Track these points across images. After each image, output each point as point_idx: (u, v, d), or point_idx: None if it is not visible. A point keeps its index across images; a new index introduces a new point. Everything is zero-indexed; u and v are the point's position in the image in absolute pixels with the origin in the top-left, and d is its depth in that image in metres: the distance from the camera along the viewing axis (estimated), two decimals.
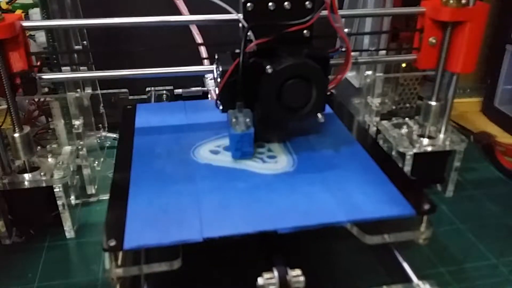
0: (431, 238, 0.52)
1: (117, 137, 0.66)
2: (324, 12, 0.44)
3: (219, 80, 0.45)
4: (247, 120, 0.44)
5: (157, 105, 0.61)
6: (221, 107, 0.46)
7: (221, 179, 0.43)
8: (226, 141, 0.50)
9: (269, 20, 0.44)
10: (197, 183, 0.43)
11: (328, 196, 0.41)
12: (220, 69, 0.44)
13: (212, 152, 0.49)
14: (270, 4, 0.43)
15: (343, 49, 0.47)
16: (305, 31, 0.45)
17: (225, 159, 0.47)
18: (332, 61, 0.48)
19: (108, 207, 0.40)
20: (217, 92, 0.46)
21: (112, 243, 0.35)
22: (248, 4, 0.43)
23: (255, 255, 0.43)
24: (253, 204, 0.40)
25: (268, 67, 0.42)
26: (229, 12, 0.46)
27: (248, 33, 0.43)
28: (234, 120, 0.44)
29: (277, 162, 0.47)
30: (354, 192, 0.41)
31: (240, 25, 0.44)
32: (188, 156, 0.48)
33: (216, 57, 0.46)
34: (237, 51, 0.43)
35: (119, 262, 0.37)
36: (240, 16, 0.44)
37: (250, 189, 0.42)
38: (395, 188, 0.42)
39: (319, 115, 0.45)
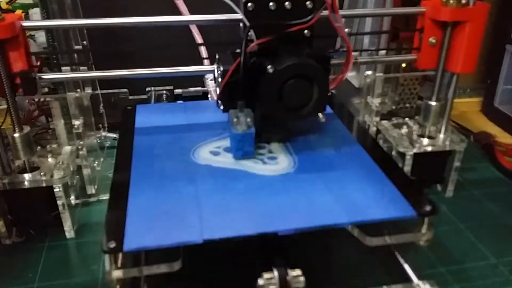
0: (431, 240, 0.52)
1: (117, 137, 0.66)
2: (325, 12, 0.44)
3: (220, 80, 0.45)
4: (248, 119, 0.44)
5: (157, 106, 0.61)
6: (222, 107, 0.46)
7: (221, 180, 0.43)
8: (226, 142, 0.50)
9: (270, 20, 0.44)
10: (197, 184, 0.43)
11: (329, 197, 0.41)
12: (221, 68, 0.44)
13: (212, 153, 0.48)
14: (271, 4, 0.43)
15: (344, 49, 0.47)
16: (305, 31, 0.45)
17: (225, 160, 0.47)
18: (333, 61, 0.48)
19: (108, 209, 0.40)
20: (217, 92, 0.46)
21: (112, 245, 0.35)
22: (249, 4, 0.43)
23: (255, 257, 0.42)
24: (253, 205, 0.40)
25: (269, 66, 0.42)
26: (231, 12, 0.46)
27: (249, 33, 0.43)
28: (235, 120, 0.44)
29: (277, 163, 0.46)
30: (355, 194, 0.41)
31: (241, 25, 0.44)
32: (188, 157, 0.47)
33: (217, 56, 0.46)
34: (238, 51, 0.43)
35: (119, 264, 0.37)
36: (242, 15, 0.44)
37: (250, 190, 0.42)
38: (396, 190, 0.42)
39: (320, 114, 0.45)
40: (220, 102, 0.46)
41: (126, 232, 0.36)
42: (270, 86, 0.43)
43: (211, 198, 0.41)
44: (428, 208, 0.39)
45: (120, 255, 0.37)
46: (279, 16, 0.44)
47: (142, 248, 0.35)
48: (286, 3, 0.44)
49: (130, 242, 0.35)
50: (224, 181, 0.43)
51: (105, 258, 0.37)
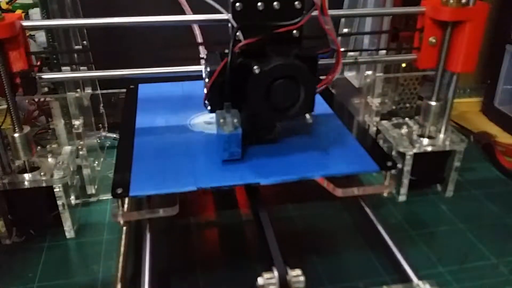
0: (430, 235, 0.52)
1: (118, 133, 0.67)
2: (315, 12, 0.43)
3: (207, 80, 0.44)
4: (235, 120, 0.44)
5: (157, 85, 0.66)
6: (209, 108, 0.45)
7: (213, 143, 0.49)
8: None
9: (258, 20, 0.43)
10: (192, 147, 0.50)
11: (305, 156, 0.47)
12: (208, 69, 0.44)
13: (206, 123, 0.55)
14: (259, 4, 0.43)
15: (334, 47, 0.46)
16: (294, 31, 0.44)
17: None
18: (326, 62, 0.48)
19: (115, 164, 0.46)
20: (205, 92, 0.45)
21: (120, 190, 0.41)
22: (237, 4, 0.42)
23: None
24: (240, 163, 0.46)
25: (255, 67, 0.42)
26: (220, 12, 0.46)
27: (238, 33, 0.43)
28: (222, 120, 0.44)
29: None
30: (329, 153, 0.48)
31: (230, 25, 0.44)
32: (185, 126, 0.54)
33: (205, 57, 0.46)
34: (227, 51, 0.43)
35: (125, 208, 0.43)
36: (230, 16, 0.43)
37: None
38: (364, 150, 0.49)
39: (307, 115, 0.46)
40: (207, 102, 0.45)
41: (131, 182, 0.43)
42: (256, 87, 0.42)
43: (204, 157, 0.47)
44: (389, 163, 0.46)
45: (126, 200, 0.43)
46: (267, 16, 0.43)
47: (145, 194, 0.42)
48: (275, 3, 0.43)
49: (135, 189, 0.42)
50: (215, 144, 0.48)
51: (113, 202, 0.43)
